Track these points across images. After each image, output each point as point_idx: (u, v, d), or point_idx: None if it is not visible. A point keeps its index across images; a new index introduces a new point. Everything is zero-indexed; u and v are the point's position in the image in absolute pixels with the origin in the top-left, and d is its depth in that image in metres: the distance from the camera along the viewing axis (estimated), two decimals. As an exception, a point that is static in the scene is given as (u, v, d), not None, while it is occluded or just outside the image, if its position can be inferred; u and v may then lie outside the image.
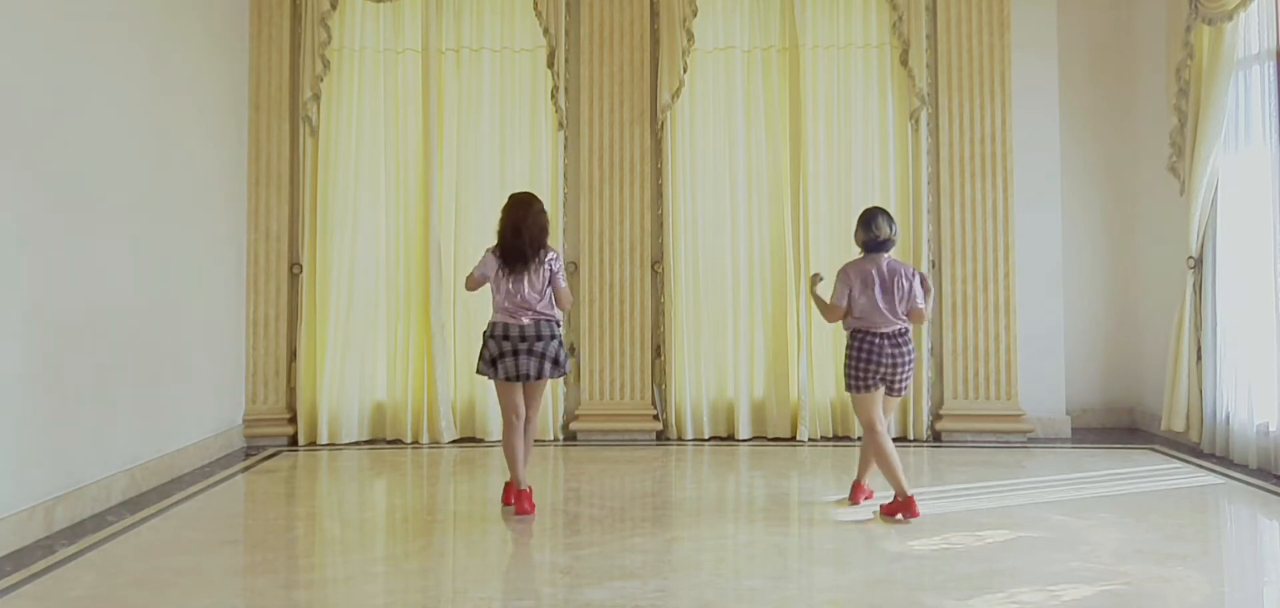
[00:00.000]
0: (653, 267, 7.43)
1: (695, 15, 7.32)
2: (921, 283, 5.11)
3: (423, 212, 7.37)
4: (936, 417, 7.30)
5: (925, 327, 7.23)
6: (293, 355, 7.35)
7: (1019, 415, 7.18)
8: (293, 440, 7.26)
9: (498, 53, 7.55)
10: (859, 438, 7.17)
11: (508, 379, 5.06)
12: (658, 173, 7.46)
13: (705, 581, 4.09)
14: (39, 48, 4.74)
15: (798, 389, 7.26)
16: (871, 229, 5.09)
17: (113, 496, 5.34)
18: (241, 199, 7.26)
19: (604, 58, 7.44)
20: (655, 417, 7.33)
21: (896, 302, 5.01)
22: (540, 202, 5.23)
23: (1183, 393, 6.66)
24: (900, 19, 7.30)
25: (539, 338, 5.07)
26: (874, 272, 5.04)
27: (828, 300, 5.18)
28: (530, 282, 5.07)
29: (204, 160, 6.63)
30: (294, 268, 7.39)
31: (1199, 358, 6.59)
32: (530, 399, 5.20)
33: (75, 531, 4.81)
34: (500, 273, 5.10)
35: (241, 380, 7.24)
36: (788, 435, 7.28)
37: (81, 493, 5.04)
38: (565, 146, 7.48)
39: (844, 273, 5.13)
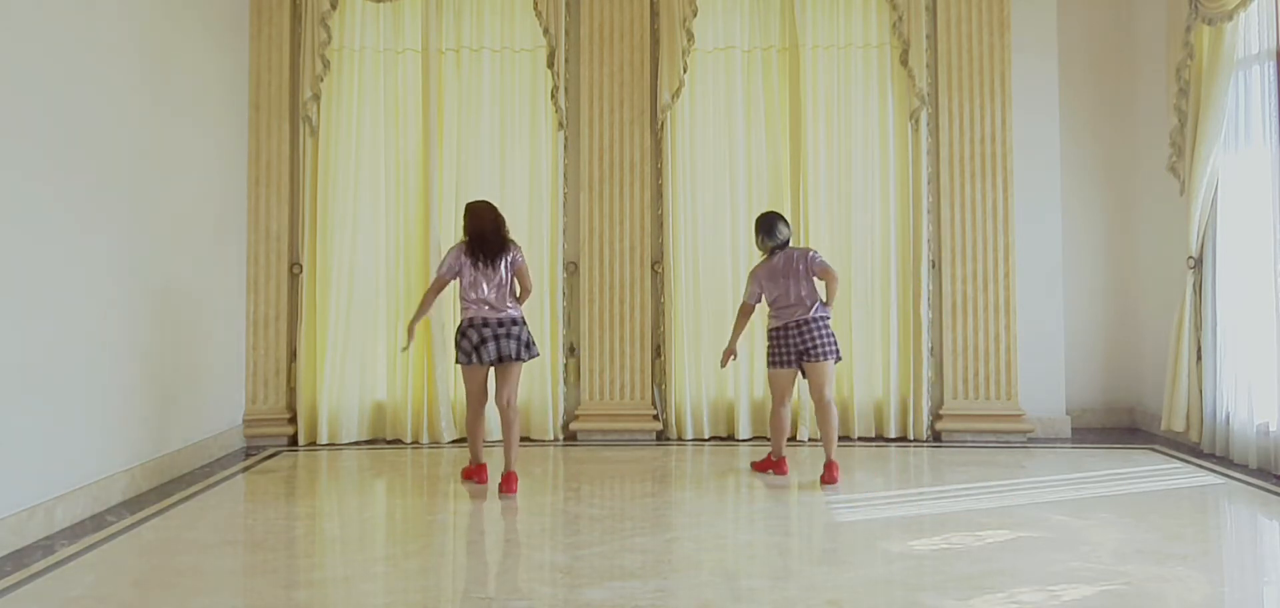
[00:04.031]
0: (653, 267, 7.43)
1: (695, 15, 7.33)
2: (818, 256, 5.87)
3: (423, 212, 7.37)
4: (936, 417, 7.30)
5: (924, 326, 7.25)
6: (293, 355, 7.35)
7: (1019, 415, 7.18)
8: (293, 440, 7.26)
9: (498, 53, 7.55)
10: (859, 439, 7.26)
11: (490, 362, 5.62)
12: (658, 173, 7.46)
13: (705, 581, 4.08)
14: (39, 47, 4.74)
15: (798, 389, 7.24)
16: (774, 235, 5.93)
17: (112, 495, 5.34)
18: (241, 199, 7.26)
19: (604, 58, 7.44)
20: (655, 417, 7.33)
21: (802, 282, 5.79)
22: (496, 209, 5.79)
23: (1183, 393, 6.66)
24: (900, 19, 7.30)
25: (515, 323, 5.65)
26: (780, 266, 5.86)
27: (746, 302, 6.02)
28: (500, 277, 5.63)
29: (204, 160, 6.63)
30: (294, 268, 7.39)
31: (1199, 358, 6.59)
32: (504, 381, 5.70)
33: (75, 531, 4.81)
34: (471, 270, 5.62)
35: (241, 380, 7.24)
36: (788, 435, 7.26)
37: (81, 493, 5.04)
38: (565, 146, 7.48)
39: (754, 274, 5.99)
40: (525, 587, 4.04)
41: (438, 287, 5.78)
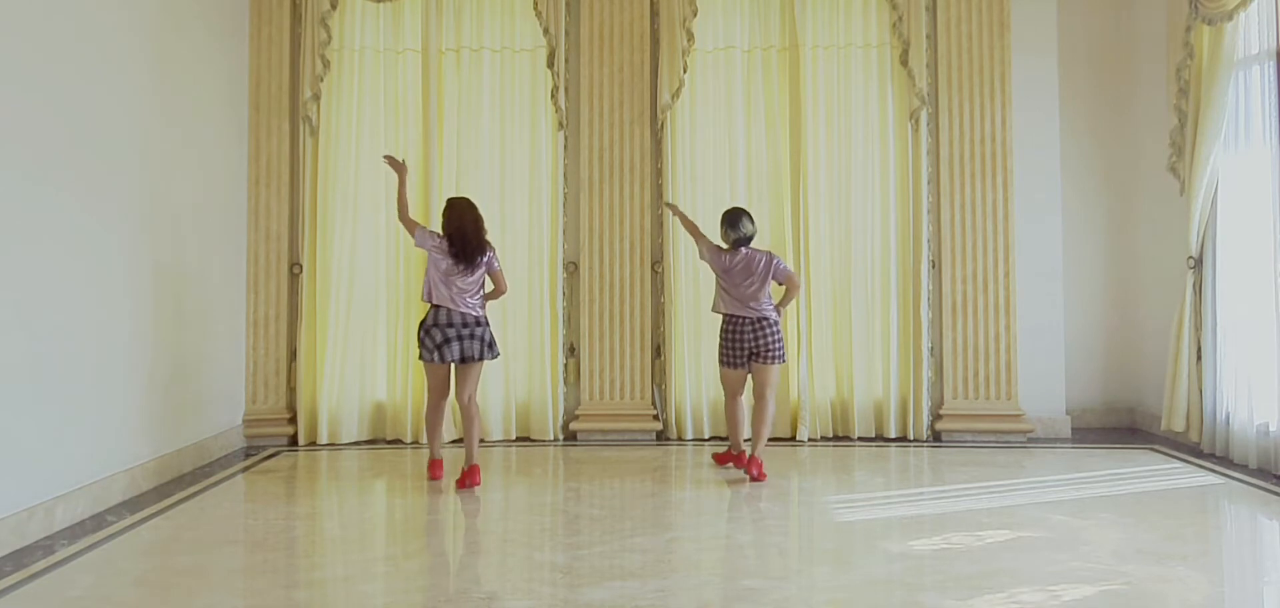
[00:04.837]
0: (653, 267, 7.43)
1: (695, 15, 7.32)
2: (780, 262, 5.95)
3: (423, 212, 7.36)
4: (936, 417, 7.30)
5: (924, 326, 7.25)
6: (293, 355, 7.35)
7: (1019, 415, 7.18)
8: (293, 440, 7.26)
9: (498, 53, 7.55)
10: (859, 439, 7.26)
11: (451, 361, 5.72)
12: (658, 173, 7.46)
13: (705, 581, 4.09)
14: (43, 48, 4.74)
15: (798, 389, 7.26)
16: (738, 228, 5.96)
17: (112, 495, 5.34)
18: (241, 199, 7.26)
19: (604, 58, 7.44)
20: (655, 417, 7.33)
21: (755, 286, 5.86)
22: (476, 208, 5.84)
23: (1183, 393, 6.65)
24: (900, 19, 7.30)
25: (479, 324, 5.76)
26: (738, 267, 5.91)
27: (704, 238, 6.15)
28: (474, 277, 5.74)
29: (204, 160, 6.63)
30: (294, 268, 7.39)
31: (1199, 358, 6.59)
32: (465, 379, 5.83)
33: (75, 531, 4.81)
34: (448, 264, 5.70)
35: (241, 380, 7.24)
36: (788, 435, 7.28)
37: (81, 493, 5.04)
38: (565, 146, 7.48)
39: (716, 249, 6.04)
40: (525, 587, 4.04)
41: (409, 227, 5.87)
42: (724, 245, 6.05)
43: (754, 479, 5.85)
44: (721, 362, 6.05)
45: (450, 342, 5.69)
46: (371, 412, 7.47)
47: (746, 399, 6.20)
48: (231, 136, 7.10)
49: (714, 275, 6.12)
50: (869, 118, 7.45)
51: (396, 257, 7.45)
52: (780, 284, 5.99)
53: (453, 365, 5.80)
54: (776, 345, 5.92)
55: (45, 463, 4.77)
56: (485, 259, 5.77)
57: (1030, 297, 7.35)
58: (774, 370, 5.97)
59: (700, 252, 6.19)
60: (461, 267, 5.71)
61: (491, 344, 5.81)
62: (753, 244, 6.01)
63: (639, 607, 3.68)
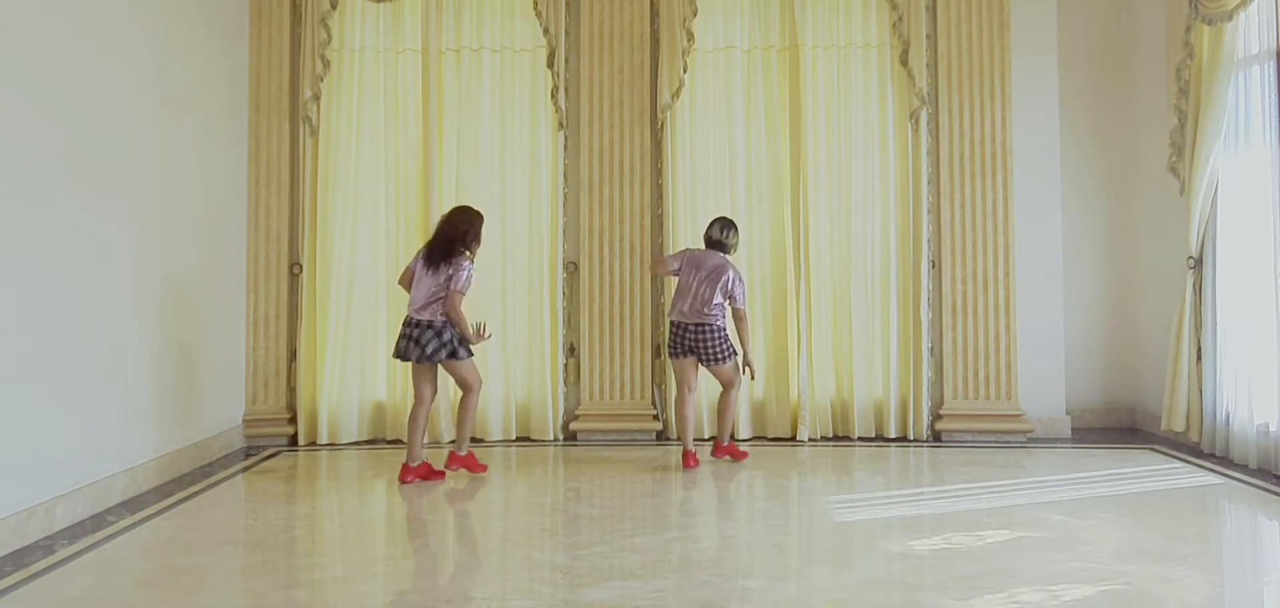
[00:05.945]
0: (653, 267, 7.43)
1: (695, 15, 7.32)
2: (737, 283, 6.20)
3: (423, 212, 7.37)
4: (936, 417, 7.30)
5: (924, 326, 7.25)
6: (293, 355, 7.35)
7: (1019, 415, 7.18)
8: (293, 440, 7.26)
9: (498, 53, 7.55)
10: (859, 438, 7.26)
11: (397, 358, 5.94)
12: (658, 173, 7.46)
13: (705, 581, 4.08)
14: (45, 47, 4.74)
15: (798, 389, 7.26)
16: (711, 229, 6.37)
17: (112, 495, 5.34)
18: (241, 199, 7.26)
19: (604, 58, 7.44)
20: (655, 417, 7.33)
21: (709, 290, 6.13)
22: (466, 215, 5.95)
23: (1183, 393, 6.66)
24: (900, 19, 7.30)
25: (415, 326, 5.82)
26: (706, 265, 6.21)
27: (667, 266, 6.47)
28: (427, 282, 5.82)
29: (204, 160, 6.63)
30: (294, 268, 7.39)
31: (1199, 358, 6.59)
32: (416, 379, 5.97)
33: (75, 531, 4.81)
34: (419, 270, 5.88)
35: (241, 380, 7.24)
36: (788, 436, 7.28)
37: (81, 493, 5.04)
38: (565, 146, 7.48)
39: (685, 251, 6.42)
40: (525, 587, 4.04)
41: (403, 280, 6.05)
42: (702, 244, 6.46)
43: (720, 455, 6.42)
44: (670, 353, 6.36)
45: (399, 339, 5.90)
46: (371, 412, 7.47)
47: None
48: (231, 136, 7.10)
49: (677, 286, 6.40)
50: (869, 118, 7.45)
51: (396, 257, 7.44)
52: (730, 305, 6.20)
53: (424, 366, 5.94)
54: (717, 349, 6.17)
55: (45, 463, 4.77)
56: (450, 270, 5.76)
57: (1030, 297, 7.35)
58: (724, 369, 6.25)
59: (657, 269, 6.67)
60: (426, 271, 5.83)
61: (425, 345, 5.75)
62: (726, 251, 6.34)
63: (639, 607, 3.68)
